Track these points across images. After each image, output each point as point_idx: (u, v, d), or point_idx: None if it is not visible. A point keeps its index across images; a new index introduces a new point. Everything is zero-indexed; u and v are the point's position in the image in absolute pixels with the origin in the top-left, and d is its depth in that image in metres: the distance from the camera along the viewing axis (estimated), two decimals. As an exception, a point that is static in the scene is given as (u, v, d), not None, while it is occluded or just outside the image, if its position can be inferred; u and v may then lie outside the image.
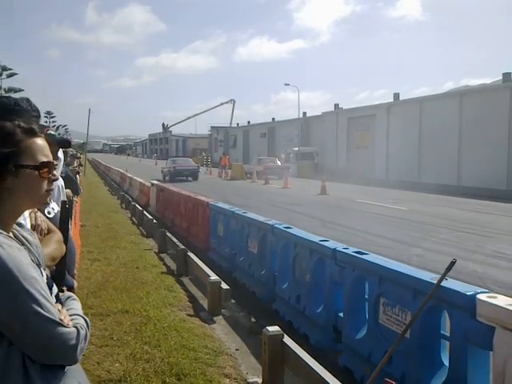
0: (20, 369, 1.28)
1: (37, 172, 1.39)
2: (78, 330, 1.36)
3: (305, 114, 51.10)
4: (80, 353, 1.35)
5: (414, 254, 9.06)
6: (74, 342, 1.33)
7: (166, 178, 32.04)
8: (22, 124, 1.42)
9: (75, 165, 11.40)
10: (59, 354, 1.32)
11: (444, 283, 3.22)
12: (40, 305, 1.27)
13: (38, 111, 2.34)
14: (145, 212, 12.73)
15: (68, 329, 1.33)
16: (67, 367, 1.38)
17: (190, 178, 31.94)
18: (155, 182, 16.52)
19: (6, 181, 1.35)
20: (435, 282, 3.23)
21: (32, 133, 1.43)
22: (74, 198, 7.09)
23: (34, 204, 1.46)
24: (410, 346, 3.48)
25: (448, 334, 3.33)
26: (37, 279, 1.29)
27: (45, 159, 1.42)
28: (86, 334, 1.39)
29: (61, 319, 1.32)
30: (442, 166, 29.07)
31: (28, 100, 2.27)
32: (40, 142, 1.44)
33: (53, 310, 1.31)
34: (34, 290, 1.27)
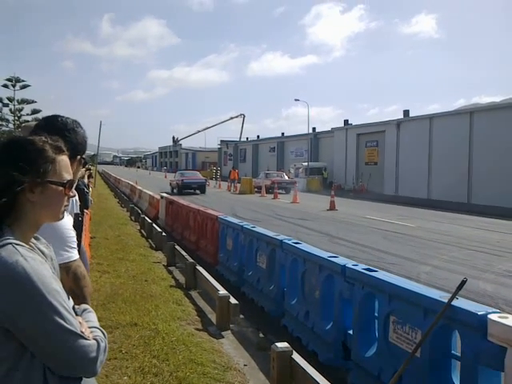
0: (41, 381, 1.30)
1: (61, 188, 1.43)
2: (98, 343, 1.38)
3: (314, 129, 51.27)
4: (100, 365, 1.37)
5: (423, 272, 9.00)
6: (94, 354, 1.35)
7: (175, 190, 32.70)
8: (50, 141, 1.46)
9: (86, 177, 11.48)
10: (80, 367, 1.34)
11: (455, 302, 3.20)
12: (63, 317, 1.29)
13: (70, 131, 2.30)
14: (154, 225, 12.76)
15: (89, 341, 1.35)
16: (84, 379, 1.39)
17: (197, 191, 32.43)
18: (165, 194, 16.59)
19: (32, 195, 1.38)
20: (446, 300, 3.22)
21: (60, 150, 1.47)
22: (85, 211, 7.13)
23: (52, 218, 1.48)
24: (420, 366, 3.45)
25: (459, 354, 3.31)
26: (59, 292, 1.32)
27: (69, 177, 1.47)
28: (105, 347, 1.41)
29: (82, 332, 1.34)
30: (452, 183, 28.96)
31: (77, 123, 2.20)
32: (66, 159, 1.49)
33: (74, 322, 1.33)
34: (57, 302, 1.29)
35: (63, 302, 1.31)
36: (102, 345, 1.39)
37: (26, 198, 1.37)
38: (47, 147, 1.43)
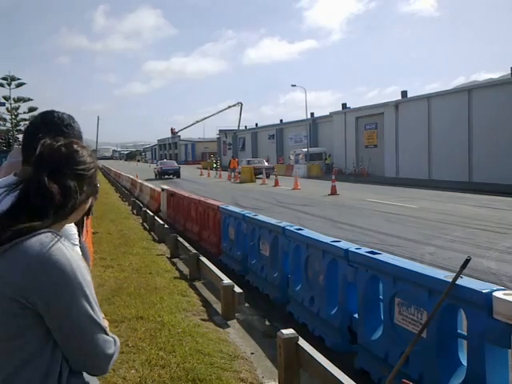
0: (57, 372, 1.31)
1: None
2: (114, 340, 1.40)
3: (312, 114, 51.05)
4: (112, 364, 1.39)
5: (427, 253, 8.99)
6: (111, 351, 1.37)
7: (157, 176, 40.85)
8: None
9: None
10: (97, 360, 1.36)
11: (459, 281, 3.19)
12: (92, 308, 1.33)
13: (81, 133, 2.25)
14: (156, 217, 12.76)
15: (109, 337, 1.38)
16: (89, 377, 1.40)
17: (173, 177, 40.51)
18: (165, 187, 16.56)
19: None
20: (450, 280, 3.20)
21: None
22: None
23: (75, 219, 1.53)
24: (427, 346, 3.45)
25: (465, 333, 3.30)
26: (91, 283, 1.35)
27: (98, 183, 1.55)
28: (119, 347, 1.43)
29: (105, 326, 1.38)
30: (453, 162, 28.91)
31: (72, 118, 2.19)
32: None
33: (100, 316, 1.36)
34: (90, 293, 1.32)
35: (94, 294, 1.35)
36: (118, 344, 1.41)
37: None
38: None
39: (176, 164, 44.82)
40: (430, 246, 9.66)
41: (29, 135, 2.00)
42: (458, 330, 3.40)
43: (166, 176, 40.41)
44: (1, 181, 1.94)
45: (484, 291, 3.02)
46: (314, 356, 3.45)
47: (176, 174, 41.28)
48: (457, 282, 3.17)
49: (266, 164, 41.11)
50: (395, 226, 12.22)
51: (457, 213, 14.56)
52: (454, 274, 3.23)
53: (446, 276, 3.41)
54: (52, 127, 1.96)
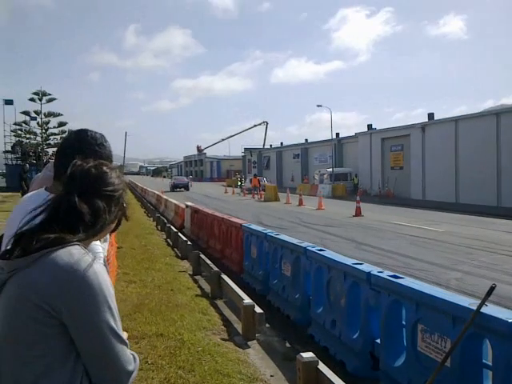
0: None
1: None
2: (134, 358, 1.42)
3: (338, 134, 50.98)
4: (131, 381, 1.40)
5: (453, 278, 8.81)
6: (131, 367, 1.38)
7: (171, 189, 50.10)
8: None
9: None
10: (117, 375, 1.36)
11: (484, 309, 3.12)
12: (115, 322, 1.35)
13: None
14: (179, 234, 12.82)
15: (129, 353, 1.39)
16: None
17: (183, 189, 50.75)
18: (190, 203, 16.67)
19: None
20: (474, 308, 3.13)
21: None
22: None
23: (102, 237, 1.60)
24: (450, 376, 3.37)
25: (490, 363, 3.21)
26: (114, 298, 1.38)
27: (126, 203, 1.61)
28: (138, 365, 1.44)
29: (127, 342, 1.40)
30: (481, 186, 28.38)
31: (104, 137, 2.20)
32: None
33: (121, 330, 1.38)
34: (114, 307, 1.35)
35: (117, 308, 1.38)
36: (137, 361, 1.43)
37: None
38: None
39: (186, 179, 57.76)
40: (456, 271, 9.47)
41: (61, 152, 2.05)
42: (483, 360, 3.31)
43: (178, 189, 50.61)
44: (33, 195, 1.99)
45: (510, 320, 2.94)
46: (334, 381, 3.40)
47: (185, 187, 51.79)
48: (482, 310, 3.10)
49: (266, 182, 45.40)
50: (420, 250, 12.03)
51: (484, 238, 14.26)
52: (479, 302, 3.16)
53: (470, 303, 3.33)
54: (85, 146, 2.01)
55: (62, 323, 1.29)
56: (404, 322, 4.16)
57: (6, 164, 48.45)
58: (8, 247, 1.37)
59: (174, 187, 50.90)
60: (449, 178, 31.43)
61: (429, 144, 33.97)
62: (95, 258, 1.37)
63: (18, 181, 23.35)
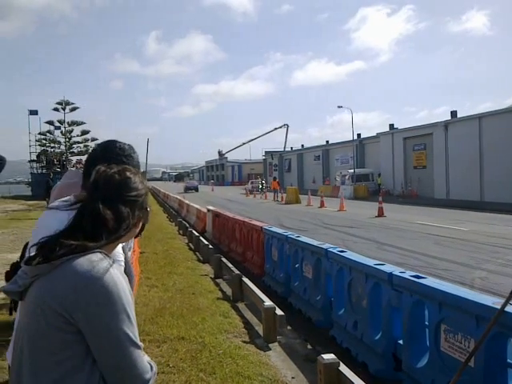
0: None
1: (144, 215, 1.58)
2: (151, 366, 1.41)
3: (359, 135, 50.63)
4: None
5: (477, 277, 8.65)
6: (148, 376, 1.38)
7: (184, 190, 58.74)
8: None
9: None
10: (133, 382, 1.36)
11: (508, 308, 3.04)
12: (133, 331, 1.35)
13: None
14: (201, 238, 12.87)
15: (146, 362, 1.39)
16: None
17: (193, 191, 60.71)
18: (211, 208, 16.73)
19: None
20: (499, 307, 3.06)
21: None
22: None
23: (126, 241, 1.60)
24: (474, 376, 3.30)
25: (515, 363, 3.14)
26: (133, 306, 1.38)
27: (149, 207, 1.61)
28: (155, 373, 1.43)
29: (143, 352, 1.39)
30: (506, 184, 27.83)
31: (132, 148, 2.20)
32: None
33: (138, 338, 1.38)
34: (132, 315, 1.35)
35: (134, 316, 1.38)
36: (154, 370, 1.42)
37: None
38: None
39: (196, 183, 73.35)
40: (481, 270, 9.29)
41: (90, 162, 2.05)
42: (508, 360, 3.23)
43: (189, 190, 60.56)
44: (61, 204, 2.01)
45: (535, 319, 2.87)
46: (355, 382, 3.36)
47: (195, 189, 63.27)
48: (506, 309, 3.03)
49: (265, 184, 49.02)
50: (444, 250, 11.84)
51: (510, 236, 13.97)
52: (503, 301, 3.09)
53: (494, 303, 3.26)
54: (113, 156, 2.02)
55: (79, 330, 1.30)
56: (427, 323, 4.09)
57: (31, 173, 49.43)
58: (32, 254, 1.38)
59: (187, 189, 62.00)
60: (473, 176, 30.92)
61: (452, 142, 33.49)
62: (115, 265, 1.38)
63: (45, 189, 23.78)
